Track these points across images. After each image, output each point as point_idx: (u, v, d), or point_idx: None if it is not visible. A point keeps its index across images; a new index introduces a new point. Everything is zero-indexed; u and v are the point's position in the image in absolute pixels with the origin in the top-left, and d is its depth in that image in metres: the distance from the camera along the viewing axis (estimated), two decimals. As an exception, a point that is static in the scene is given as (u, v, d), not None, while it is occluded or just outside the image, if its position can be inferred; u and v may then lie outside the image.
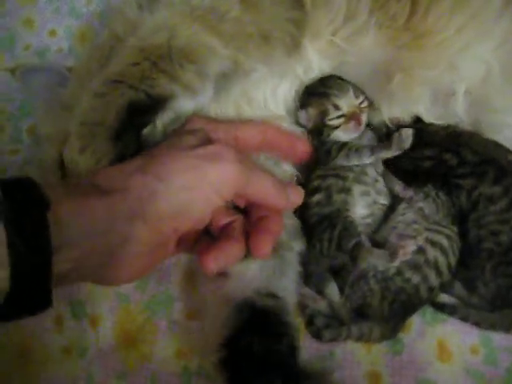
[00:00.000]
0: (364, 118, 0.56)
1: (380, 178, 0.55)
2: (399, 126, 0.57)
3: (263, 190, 0.47)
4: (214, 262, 0.45)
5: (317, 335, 0.52)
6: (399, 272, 0.49)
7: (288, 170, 0.57)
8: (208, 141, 0.46)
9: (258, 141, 0.51)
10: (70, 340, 0.54)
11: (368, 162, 0.54)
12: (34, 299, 0.36)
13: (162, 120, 0.51)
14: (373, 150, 0.54)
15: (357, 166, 0.54)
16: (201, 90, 0.50)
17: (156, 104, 0.49)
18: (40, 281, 0.35)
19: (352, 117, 0.55)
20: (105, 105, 0.48)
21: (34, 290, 0.35)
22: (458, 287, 0.52)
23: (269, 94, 0.56)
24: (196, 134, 0.46)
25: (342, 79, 0.57)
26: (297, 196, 0.50)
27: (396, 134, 0.53)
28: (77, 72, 0.57)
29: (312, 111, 0.56)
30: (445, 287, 0.51)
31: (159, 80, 0.48)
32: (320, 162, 0.56)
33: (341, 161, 0.55)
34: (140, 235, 0.41)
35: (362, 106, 0.56)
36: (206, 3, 0.49)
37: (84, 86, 0.54)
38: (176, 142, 0.45)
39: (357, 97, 0.56)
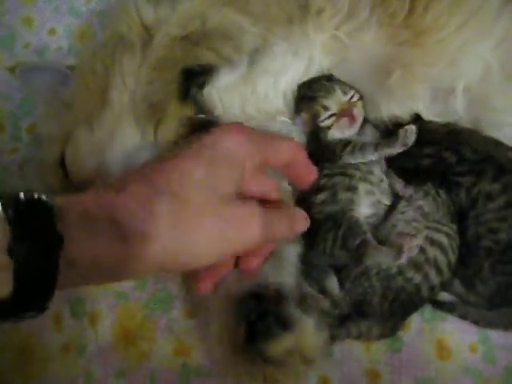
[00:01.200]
0: (357, 111, 0.56)
1: (385, 178, 0.55)
2: (397, 123, 0.57)
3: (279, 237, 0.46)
4: (206, 287, 0.47)
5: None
6: (401, 271, 0.49)
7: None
8: (241, 194, 0.43)
9: (284, 163, 0.48)
10: (69, 338, 0.54)
11: (372, 158, 0.54)
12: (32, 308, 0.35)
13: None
14: (376, 146, 0.54)
15: (364, 164, 0.55)
16: (239, 63, 0.53)
17: (206, 70, 0.52)
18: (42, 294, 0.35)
19: (343, 114, 0.56)
20: (162, 81, 0.52)
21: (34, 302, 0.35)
22: (457, 285, 0.52)
23: (271, 87, 0.57)
24: (232, 177, 0.42)
25: (330, 79, 0.57)
26: (302, 224, 0.48)
27: (402, 131, 0.53)
28: (79, 71, 0.57)
29: (305, 116, 0.57)
30: (444, 285, 0.51)
31: (203, 55, 0.52)
32: (325, 161, 0.56)
33: (346, 158, 0.55)
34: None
35: (353, 100, 0.57)
36: None
37: (88, 86, 0.54)
38: (211, 183, 0.41)
39: (345, 93, 0.57)
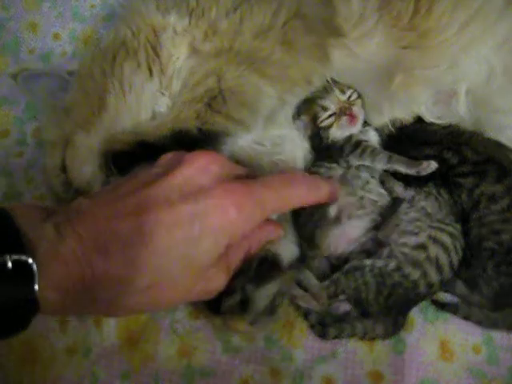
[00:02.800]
0: (357, 109, 0.57)
1: (372, 180, 0.55)
2: (401, 127, 0.57)
3: None
4: None
5: (321, 334, 0.52)
6: (399, 268, 0.50)
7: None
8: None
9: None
10: (74, 340, 0.54)
11: (381, 167, 0.55)
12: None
13: None
14: (391, 158, 0.54)
15: (356, 168, 0.55)
16: (254, 127, 0.53)
17: (207, 138, 0.51)
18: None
19: (342, 112, 0.56)
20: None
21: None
22: (460, 286, 0.53)
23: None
24: (214, 250, 0.41)
25: (327, 81, 0.57)
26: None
27: (426, 163, 0.53)
28: (79, 76, 0.58)
29: (305, 118, 0.58)
30: (446, 285, 0.51)
31: (214, 119, 0.50)
32: (330, 161, 0.57)
33: (353, 158, 0.55)
34: None
35: (352, 99, 0.57)
36: (247, 47, 0.52)
37: (87, 91, 0.54)
38: (190, 257, 0.40)
39: (343, 92, 0.57)
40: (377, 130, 0.59)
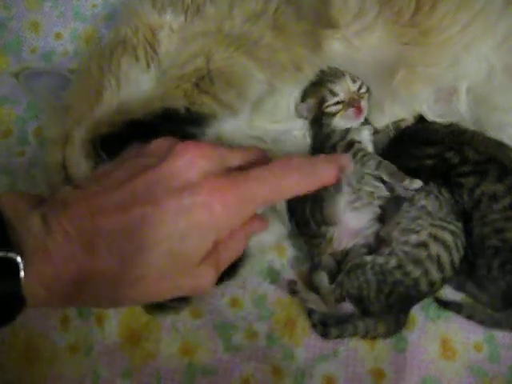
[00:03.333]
0: (364, 104, 0.56)
1: (366, 175, 0.55)
2: (402, 129, 0.58)
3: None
4: None
5: (323, 334, 0.53)
6: (400, 265, 0.50)
7: None
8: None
9: None
10: (76, 338, 0.55)
11: (369, 173, 0.54)
12: None
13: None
14: (379, 165, 0.54)
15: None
16: (241, 111, 0.52)
17: (194, 119, 0.50)
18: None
19: (350, 103, 0.55)
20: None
21: None
22: (470, 285, 0.53)
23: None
24: (201, 246, 0.40)
25: (336, 67, 0.57)
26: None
27: (409, 180, 0.52)
28: (78, 73, 0.58)
29: (311, 101, 0.56)
30: (446, 282, 0.51)
31: (201, 99, 0.50)
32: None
33: None
34: None
35: (361, 91, 0.56)
36: (238, 30, 0.51)
37: (84, 88, 0.55)
38: (177, 253, 0.39)
39: (354, 81, 0.56)
40: (378, 132, 0.59)
